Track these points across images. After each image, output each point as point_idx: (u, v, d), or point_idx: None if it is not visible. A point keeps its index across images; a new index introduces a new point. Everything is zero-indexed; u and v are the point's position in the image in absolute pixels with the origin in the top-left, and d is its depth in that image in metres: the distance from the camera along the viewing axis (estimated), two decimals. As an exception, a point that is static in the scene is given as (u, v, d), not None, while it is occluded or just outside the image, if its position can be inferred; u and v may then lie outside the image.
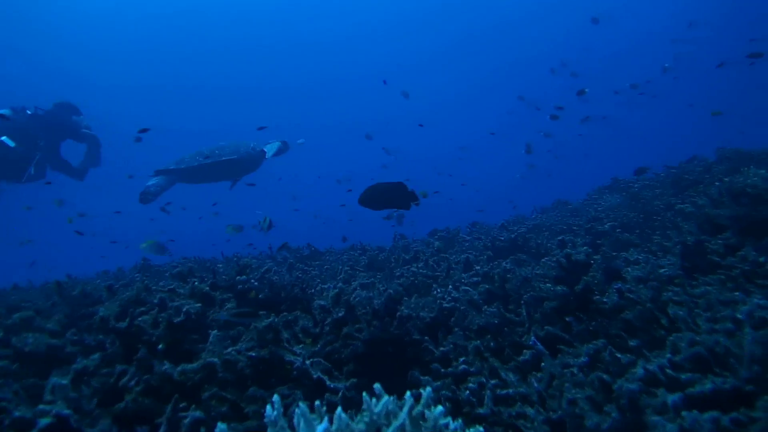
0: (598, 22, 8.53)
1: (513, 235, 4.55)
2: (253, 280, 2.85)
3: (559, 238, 3.67)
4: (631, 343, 2.19)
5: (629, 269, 3.39)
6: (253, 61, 34.35)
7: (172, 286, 2.69)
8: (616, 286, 2.70)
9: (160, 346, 1.99)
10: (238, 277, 2.82)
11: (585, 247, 2.91)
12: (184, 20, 30.65)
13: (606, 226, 4.57)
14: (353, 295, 2.62)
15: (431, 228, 7.44)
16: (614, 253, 4.29)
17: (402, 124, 33.78)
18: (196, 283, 2.71)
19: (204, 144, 7.40)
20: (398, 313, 2.44)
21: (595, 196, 7.12)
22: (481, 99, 37.44)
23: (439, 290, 3.17)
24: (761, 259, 2.75)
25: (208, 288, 2.74)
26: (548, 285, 2.70)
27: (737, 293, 2.63)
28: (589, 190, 8.34)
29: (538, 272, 2.90)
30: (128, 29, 30.02)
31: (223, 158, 7.00)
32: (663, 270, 3.13)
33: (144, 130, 6.87)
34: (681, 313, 2.25)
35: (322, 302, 2.68)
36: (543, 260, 2.96)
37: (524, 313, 2.73)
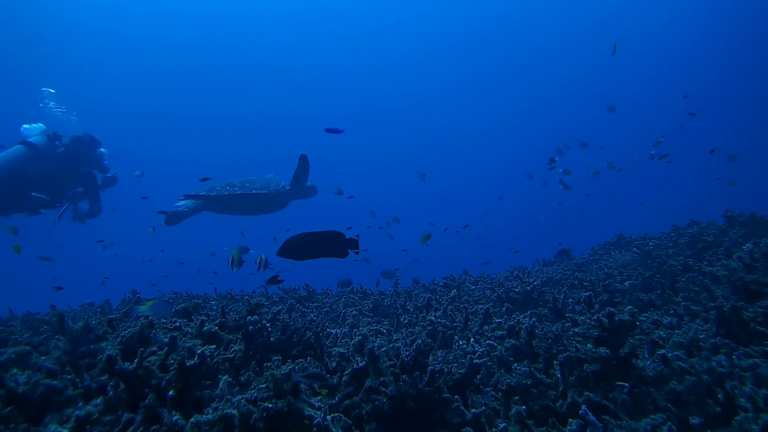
0: (615, 111, 8.67)
1: (529, 287, 4.36)
2: (265, 322, 2.62)
3: (586, 294, 3.50)
4: (693, 420, 1.97)
5: (660, 332, 3.20)
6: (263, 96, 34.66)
7: (177, 324, 2.45)
8: (660, 352, 2.51)
9: (171, 393, 1.74)
10: (249, 318, 2.58)
11: (629, 307, 2.72)
12: (204, 48, 31.04)
13: (626, 285, 4.40)
14: (377, 344, 2.39)
15: (424, 275, 7.27)
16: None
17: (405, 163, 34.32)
18: (205, 322, 2.47)
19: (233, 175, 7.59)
20: (429, 368, 2.21)
21: (601, 251, 6.99)
22: (489, 144, 38.05)
23: (461, 342, 2.96)
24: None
25: (216, 328, 2.50)
26: (589, 346, 2.49)
27: (791, 368, 2.45)
28: (587, 243, 8.22)
29: (577, 330, 2.69)
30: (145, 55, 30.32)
31: (253, 191, 7.22)
32: (703, 336, 2.95)
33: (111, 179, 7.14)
34: (747, 389, 2.05)
35: (341, 350, 2.45)
36: (580, 318, 2.76)
37: (558, 375, 2.52)
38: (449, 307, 3.69)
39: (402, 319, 3.96)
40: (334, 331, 3.49)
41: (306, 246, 2.74)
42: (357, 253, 3.12)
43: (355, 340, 2.42)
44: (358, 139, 36.34)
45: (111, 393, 1.73)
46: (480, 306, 3.76)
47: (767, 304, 3.17)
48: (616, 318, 2.53)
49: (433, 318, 3.28)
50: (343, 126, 5.63)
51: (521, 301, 4.38)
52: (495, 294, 4.45)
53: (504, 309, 3.91)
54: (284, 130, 36.33)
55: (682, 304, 3.75)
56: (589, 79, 30.68)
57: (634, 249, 5.54)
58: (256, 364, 2.45)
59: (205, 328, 2.43)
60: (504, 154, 37.03)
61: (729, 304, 3.23)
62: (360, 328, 3.86)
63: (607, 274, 5.25)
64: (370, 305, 4.85)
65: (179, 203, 7.03)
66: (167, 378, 1.80)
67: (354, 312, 4.47)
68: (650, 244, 5.48)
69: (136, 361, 1.78)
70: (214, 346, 2.12)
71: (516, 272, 6.20)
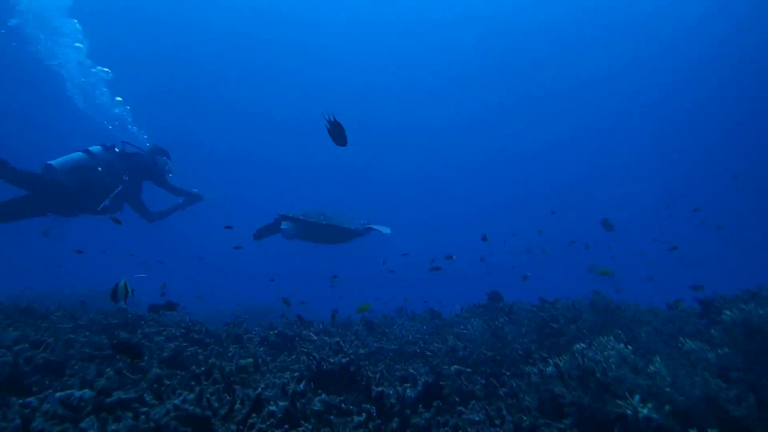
0: (555, 213, 8.98)
1: (345, 360, 3.82)
2: None
3: (411, 372, 2.99)
4: None
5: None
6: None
7: None
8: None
9: None
10: None
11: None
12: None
13: (452, 369, 3.96)
14: None
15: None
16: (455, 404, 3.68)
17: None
18: None
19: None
20: None
21: (465, 315, 6.62)
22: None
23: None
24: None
25: None
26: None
27: None
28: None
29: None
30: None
31: (344, 226, 7.73)
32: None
33: None
34: None
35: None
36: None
37: None
38: (212, 388, 3.07)
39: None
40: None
41: None
42: None
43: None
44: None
45: None
46: (260, 388, 3.17)
47: (565, 426, 2.78)
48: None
49: (178, 402, 2.64)
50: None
51: (336, 374, 3.84)
52: (306, 364, 3.87)
53: (298, 388, 3.32)
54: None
55: (494, 405, 3.33)
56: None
57: (483, 322, 5.17)
58: None
59: None
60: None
61: (528, 420, 2.83)
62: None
63: (451, 347, 4.82)
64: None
65: (284, 225, 7.62)
66: None
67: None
68: (500, 319, 5.13)
69: None
70: None
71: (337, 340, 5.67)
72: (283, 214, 7.77)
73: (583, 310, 5.45)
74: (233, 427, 2.52)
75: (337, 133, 3.75)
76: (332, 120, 3.75)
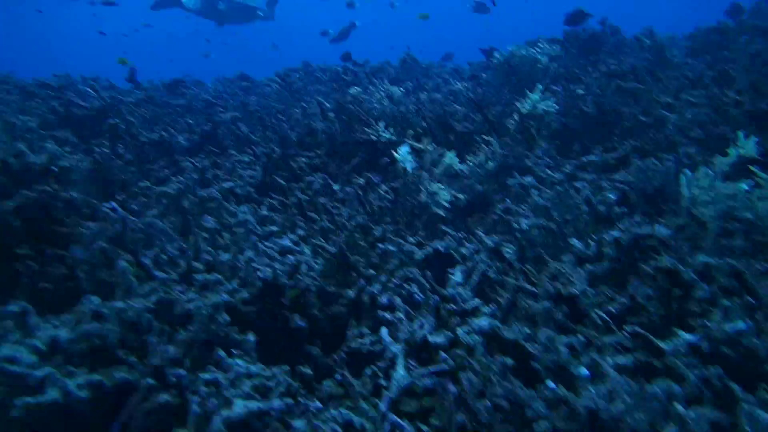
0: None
1: (99, 104, 3.39)
2: None
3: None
4: None
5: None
6: None
7: None
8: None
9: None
10: None
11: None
12: None
13: (227, 116, 3.73)
14: None
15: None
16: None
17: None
18: None
19: None
20: None
21: (276, 77, 6.24)
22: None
23: None
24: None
25: None
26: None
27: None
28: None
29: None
30: None
31: (248, 4, 8.02)
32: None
33: None
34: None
35: None
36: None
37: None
38: None
39: None
40: None
41: None
42: None
43: None
44: None
45: None
46: None
47: (314, 155, 2.77)
48: (27, 159, 1.72)
49: None
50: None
51: (90, 120, 3.41)
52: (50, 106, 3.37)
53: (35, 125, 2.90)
54: None
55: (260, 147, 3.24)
56: None
57: (281, 80, 4.93)
58: None
59: None
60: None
61: (280, 150, 2.77)
62: None
63: (243, 102, 4.56)
64: None
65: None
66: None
67: None
68: (295, 75, 4.91)
69: None
70: None
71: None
72: None
73: (391, 67, 5.41)
74: None
75: None
76: None
